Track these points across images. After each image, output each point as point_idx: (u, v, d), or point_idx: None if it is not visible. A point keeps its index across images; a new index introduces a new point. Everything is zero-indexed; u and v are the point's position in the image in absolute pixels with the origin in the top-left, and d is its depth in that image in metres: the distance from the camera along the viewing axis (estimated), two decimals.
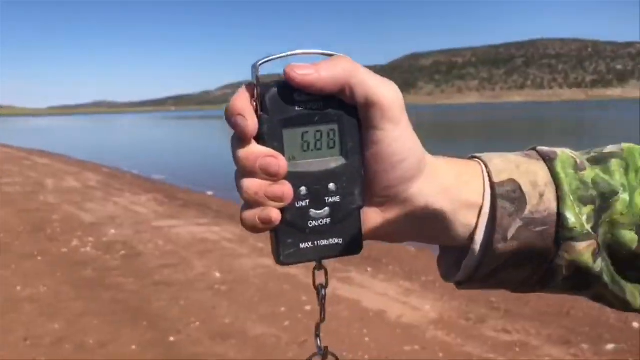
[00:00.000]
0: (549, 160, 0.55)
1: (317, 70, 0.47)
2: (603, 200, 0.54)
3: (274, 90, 0.47)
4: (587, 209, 0.53)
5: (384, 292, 5.54)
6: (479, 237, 0.54)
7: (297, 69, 0.47)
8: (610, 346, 4.35)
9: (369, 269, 6.14)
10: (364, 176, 0.51)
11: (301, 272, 6.25)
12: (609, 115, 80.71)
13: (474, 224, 0.54)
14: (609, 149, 0.59)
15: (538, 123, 58.66)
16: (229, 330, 4.68)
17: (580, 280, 0.56)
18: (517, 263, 0.55)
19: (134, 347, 4.34)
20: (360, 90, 0.48)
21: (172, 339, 4.50)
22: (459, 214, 0.53)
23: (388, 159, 0.50)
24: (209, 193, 12.72)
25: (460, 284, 0.58)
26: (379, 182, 0.51)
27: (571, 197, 0.53)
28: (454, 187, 0.53)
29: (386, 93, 0.49)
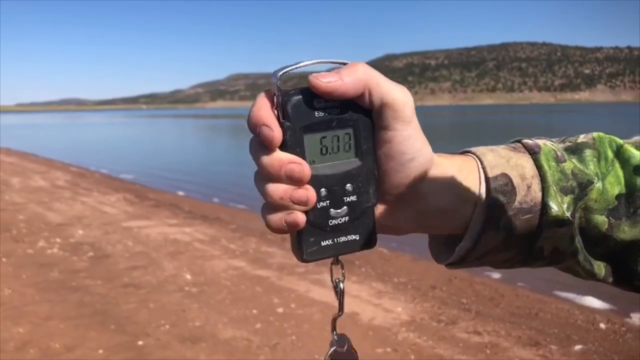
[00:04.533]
0: (534, 154, 0.61)
1: (340, 77, 0.50)
2: (581, 190, 0.60)
3: (296, 98, 0.50)
4: (568, 198, 0.59)
5: (357, 294, 5.53)
6: (474, 227, 0.59)
7: (321, 77, 0.49)
8: (578, 347, 4.41)
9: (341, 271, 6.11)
10: (377, 175, 0.54)
11: (273, 274, 6.21)
12: (579, 118, 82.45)
13: (469, 215, 0.58)
14: (582, 138, 0.64)
15: (511, 126, 59.60)
16: (199, 334, 4.61)
17: (557, 258, 0.62)
18: (505, 247, 0.60)
19: (101, 351, 4.25)
20: (376, 92, 0.52)
21: (140, 342, 4.41)
22: (459, 207, 0.58)
23: (398, 158, 0.54)
24: (180, 193, 12.58)
25: (450, 265, 0.64)
26: (389, 180, 0.55)
27: (554, 187, 0.59)
28: (456, 183, 0.58)
29: (399, 95, 0.53)
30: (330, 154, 0.52)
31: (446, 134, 42.25)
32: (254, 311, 5.10)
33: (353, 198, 0.53)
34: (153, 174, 16.52)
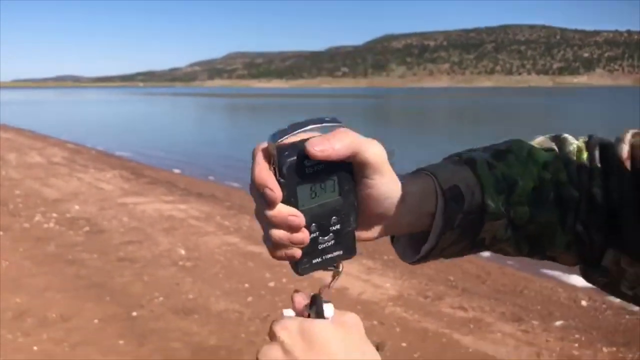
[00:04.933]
0: (472, 165, 0.77)
1: (332, 145, 0.60)
2: (509, 189, 0.76)
3: (290, 160, 0.61)
4: (501, 197, 0.76)
5: (347, 270, 5.61)
6: (436, 230, 0.75)
7: (315, 146, 0.59)
8: (559, 323, 4.55)
9: None
10: (357, 207, 0.67)
11: (265, 251, 6.29)
12: (577, 103, 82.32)
13: (430, 222, 0.74)
14: (503, 146, 0.82)
15: (513, 111, 59.51)
16: (192, 306, 4.74)
17: (495, 244, 0.78)
18: (457, 241, 0.76)
19: (96, 321, 4.38)
20: (361, 156, 0.63)
21: (134, 313, 4.54)
22: (422, 218, 0.74)
23: (377, 198, 0.68)
24: (176, 171, 12.67)
25: (415, 262, 0.80)
26: (369, 212, 0.69)
27: (490, 189, 0.75)
28: (420, 202, 0.73)
29: (375, 153, 0.64)
30: (318, 196, 0.64)
31: (448, 122, 42.21)
32: (246, 285, 5.23)
33: (337, 227, 0.66)
34: (149, 152, 16.57)
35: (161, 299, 4.88)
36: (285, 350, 0.59)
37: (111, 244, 6.58)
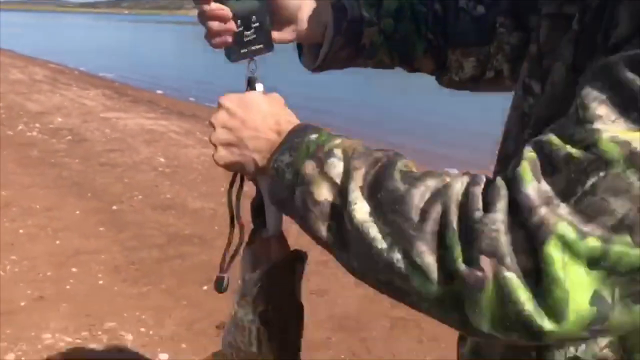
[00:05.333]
0: None
1: None
2: (378, 4, 0.97)
3: None
4: (373, 10, 0.97)
5: None
6: (329, 34, 0.95)
7: None
8: None
9: None
10: (271, 10, 0.89)
11: None
12: None
13: (324, 32, 0.95)
14: None
15: None
16: (170, 203, 5.03)
17: (373, 51, 0.99)
18: (345, 46, 0.96)
19: (77, 212, 4.66)
20: None
21: (114, 207, 4.83)
22: (319, 29, 0.95)
23: (284, 6, 0.91)
24: (159, 92, 12.74)
25: (316, 69, 1.00)
26: (280, 16, 0.91)
27: (365, 4, 0.97)
28: (317, 13, 0.94)
29: None
30: (240, 1, 0.86)
31: None
32: (222, 189, 5.48)
33: (257, 24, 0.87)
34: (132, 74, 16.49)
35: (140, 197, 5.16)
36: (230, 113, 0.79)
37: (93, 151, 6.80)
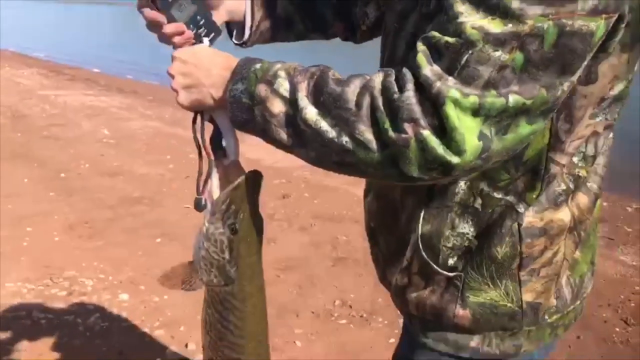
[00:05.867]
0: None
1: None
2: None
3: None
4: None
5: (264, 145, 6.17)
6: (249, 11, 1.08)
7: None
8: None
9: None
10: (205, 5, 1.01)
11: (188, 133, 6.72)
12: None
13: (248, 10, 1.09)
14: None
15: None
16: (117, 170, 5.16)
17: (290, 24, 1.13)
18: (264, 18, 1.09)
19: (26, 180, 4.73)
20: None
21: (62, 175, 4.92)
22: (242, 7, 1.08)
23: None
24: (95, 70, 12.55)
25: (244, 44, 1.12)
26: (212, 5, 1.04)
27: None
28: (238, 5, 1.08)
29: None
30: (184, 9, 0.97)
31: None
32: (168, 157, 5.65)
33: (203, 20, 0.99)
34: (66, 55, 16.05)
35: (87, 165, 5.25)
36: (183, 61, 0.93)
37: (35, 125, 6.77)
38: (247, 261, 0.99)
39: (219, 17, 1.06)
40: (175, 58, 0.93)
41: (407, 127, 0.70)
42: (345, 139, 0.74)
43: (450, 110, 0.68)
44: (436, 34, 0.71)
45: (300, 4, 1.13)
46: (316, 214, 4.21)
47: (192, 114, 1.00)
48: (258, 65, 0.84)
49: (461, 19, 0.69)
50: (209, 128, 1.02)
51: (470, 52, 0.68)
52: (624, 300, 3.15)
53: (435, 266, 0.92)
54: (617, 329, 2.87)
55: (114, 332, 2.65)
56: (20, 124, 6.84)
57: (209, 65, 0.90)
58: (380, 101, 0.72)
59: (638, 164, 5.95)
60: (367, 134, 0.73)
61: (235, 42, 1.14)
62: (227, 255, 0.95)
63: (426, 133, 0.69)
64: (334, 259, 3.52)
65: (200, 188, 0.99)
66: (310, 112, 0.77)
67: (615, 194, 5.13)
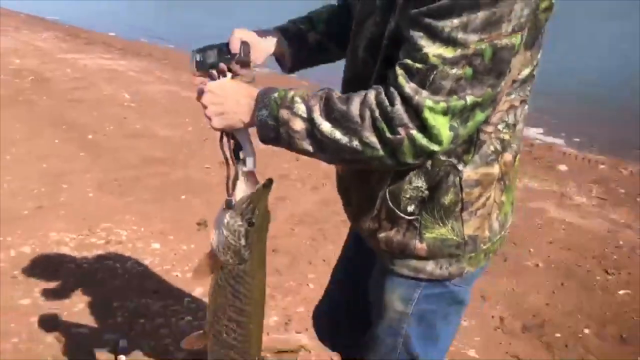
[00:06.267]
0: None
1: None
2: (309, 21, 1.46)
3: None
4: (306, 23, 1.45)
5: None
6: (283, 44, 1.37)
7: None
8: None
9: None
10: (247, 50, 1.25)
11: None
12: None
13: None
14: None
15: None
16: (140, 133, 5.47)
17: (320, 48, 1.43)
18: (300, 48, 1.39)
19: (57, 141, 5.06)
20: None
21: (90, 136, 5.25)
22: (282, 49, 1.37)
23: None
24: (112, 34, 12.76)
25: (290, 70, 1.42)
26: (255, 48, 1.29)
27: (299, 21, 1.44)
28: (279, 41, 1.36)
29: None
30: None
31: None
32: (187, 119, 5.94)
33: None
34: (82, 18, 16.22)
35: (112, 127, 5.57)
36: (214, 94, 1.14)
37: (58, 89, 7.07)
38: (257, 247, 1.25)
39: (259, 54, 1.32)
40: (207, 91, 1.16)
41: (400, 130, 0.99)
42: (355, 143, 1.02)
43: (428, 115, 0.97)
44: (409, 61, 0.99)
45: (324, 31, 1.42)
46: (327, 175, 4.51)
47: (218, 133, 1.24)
48: (276, 94, 1.09)
49: (424, 50, 0.97)
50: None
51: (435, 72, 0.96)
52: (608, 254, 3.45)
53: (399, 212, 1.20)
54: (598, 278, 3.18)
55: (149, 274, 3.01)
56: (44, 87, 7.14)
57: (236, 96, 1.14)
58: (377, 113, 1.00)
59: (634, 133, 6.20)
60: (372, 138, 1.01)
61: (284, 71, 1.43)
62: (243, 242, 1.21)
63: (414, 132, 0.98)
64: (343, 215, 3.83)
65: (230, 191, 1.22)
66: (325, 126, 1.04)
67: (613, 158, 5.40)
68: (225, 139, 1.22)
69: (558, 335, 2.65)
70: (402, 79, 0.99)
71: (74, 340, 2.40)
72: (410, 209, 1.19)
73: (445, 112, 0.97)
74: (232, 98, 1.13)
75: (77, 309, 2.66)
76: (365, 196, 1.25)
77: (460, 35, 0.95)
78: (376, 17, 1.15)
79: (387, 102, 0.99)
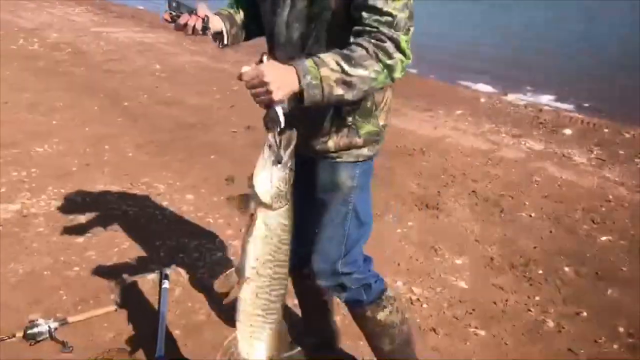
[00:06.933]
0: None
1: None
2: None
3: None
4: (233, 10, 1.89)
5: None
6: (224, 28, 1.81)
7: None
8: (459, 111, 5.90)
9: None
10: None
11: (231, 67, 7.38)
12: None
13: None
14: None
15: None
16: (172, 101, 5.91)
17: (248, 28, 1.88)
18: (231, 26, 1.82)
19: (96, 108, 5.53)
20: None
21: (126, 104, 5.70)
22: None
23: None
24: (141, 7, 13.17)
25: (225, 46, 1.82)
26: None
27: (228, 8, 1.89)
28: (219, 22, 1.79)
29: None
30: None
31: None
32: (214, 88, 6.36)
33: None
34: None
35: (145, 96, 6.02)
36: (268, 72, 1.34)
37: (94, 61, 7.55)
38: (292, 189, 1.48)
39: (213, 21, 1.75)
40: (261, 73, 1.36)
41: (394, 56, 1.47)
42: (370, 74, 1.46)
43: (403, 45, 1.49)
44: (378, 17, 1.47)
45: (248, 14, 1.84)
46: None
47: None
48: (306, 63, 1.41)
49: (385, 8, 1.47)
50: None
51: (397, 18, 1.48)
52: (597, 206, 3.80)
53: (343, 122, 1.69)
54: (585, 226, 3.54)
55: (185, 220, 3.45)
56: (80, 59, 7.62)
57: (282, 72, 1.40)
58: (379, 50, 1.46)
59: (636, 98, 6.44)
60: (379, 67, 1.47)
61: (219, 46, 1.82)
62: (288, 187, 1.45)
63: (400, 56, 1.48)
64: None
65: (280, 149, 1.43)
66: (351, 70, 1.44)
67: (617, 123, 5.67)
68: (274, 109, 1.41)
69: (540, 272, 3.03)
70: (383, 27, 1.47)
71: (124, 269, 2.86)
72: (349, 117, 1.69)
73: (407, 41, 1.50)
74: (281, 74, 1.39)
75: (125, 246, 3.12)
76: (315, 123, 1.69)
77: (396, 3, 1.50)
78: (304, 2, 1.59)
79: (381, 43, 1.46)
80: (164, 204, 3.63)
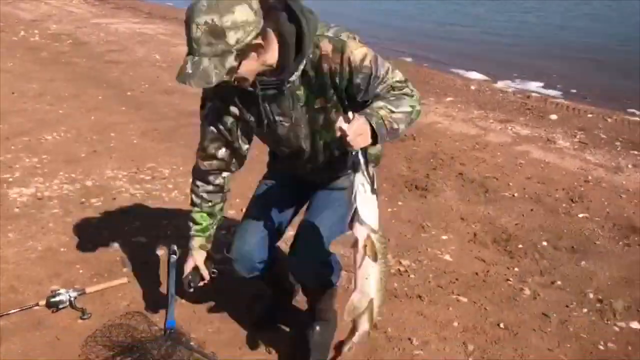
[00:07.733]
0: None
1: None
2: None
3: None
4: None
5: None
6: None
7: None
8: (449, 99, 6.13)
9: None
10: None
11: None
12: None
13: None
14: None
15: None
16: (172, 89, 6.11)
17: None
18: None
19: (100, 97, 5.75)
20: None
21: (129, 93, 5.92)
22: None
23: None
24: None
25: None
26: None
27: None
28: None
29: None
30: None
31: None
32: None
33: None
34: None
35: (147, 85, 6.23)
36: (356, 129, 1.62)
37: (95, 52, 7.75)
38: None
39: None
40: (352, 129, 1.63)
41: (414, 92, 1.85)
42: (408, 109, 1.81)
43: (412, 88, 1.87)
44: (391, 84, 1.84)
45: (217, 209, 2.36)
46: None
47: None
48: (368, 110, 1.73)
49: (394, 79, 1.85)
50: None
51: (402, 81, 1.86)
52: (576, 186, 4.04)
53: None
54: (564, 205, 3.77)
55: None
56: (82, 50, 7.82)
57: (362, 127, 1.67)
58: (406, 92, 1.84)
59: (626, 84, 6.68)
60: (412, 102, 1.83)
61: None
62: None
63: (416, 93, 1.86)
64: None
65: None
66: (396, 109, 1.77)
67: (602, 108, 5.91)
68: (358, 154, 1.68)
69: (520, 246, 3.27)
70: (399, 84, 1.85)
71: (134, 246, 3.10)
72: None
73: (411, 88, 1.88)
74: (361, 129, 1.67)
75: (134, 225, 3.35)
76: (335, 171, 2.14)
77: (391, 72, 1.87)
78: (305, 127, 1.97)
79: (404, 90, 1.85)
80: (169, 186, 3.86)
